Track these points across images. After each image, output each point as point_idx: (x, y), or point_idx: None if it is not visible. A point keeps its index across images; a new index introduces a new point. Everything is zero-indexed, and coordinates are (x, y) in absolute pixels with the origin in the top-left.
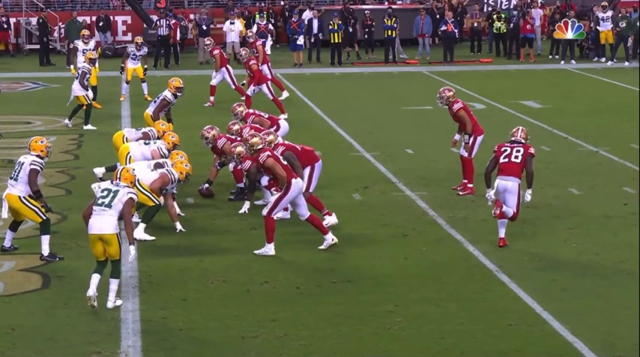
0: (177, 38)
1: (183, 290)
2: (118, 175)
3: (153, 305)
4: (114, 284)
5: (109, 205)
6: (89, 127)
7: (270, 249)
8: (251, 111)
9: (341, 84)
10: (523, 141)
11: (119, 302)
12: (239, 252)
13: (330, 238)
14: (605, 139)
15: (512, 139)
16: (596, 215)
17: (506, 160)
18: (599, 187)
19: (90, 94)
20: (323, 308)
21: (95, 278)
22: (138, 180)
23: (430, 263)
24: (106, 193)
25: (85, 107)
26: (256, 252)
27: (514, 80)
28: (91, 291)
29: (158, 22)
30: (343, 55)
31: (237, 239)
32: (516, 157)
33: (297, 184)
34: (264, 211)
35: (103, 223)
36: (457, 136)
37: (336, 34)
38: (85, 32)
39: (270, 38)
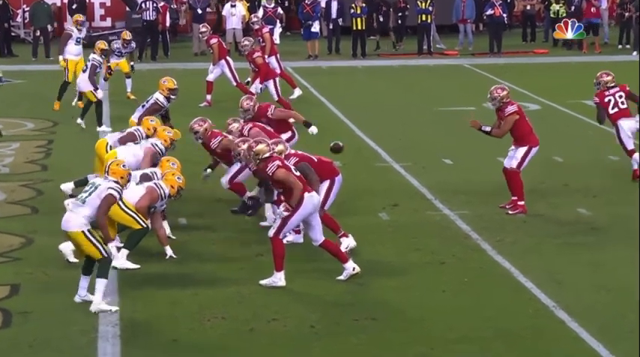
0: (167, 24)
1: (174, 330)
2: (106, 169)
3: (137, 347)
4: (100, 284)
5: (83, 201)
6: (103, 128)
7: (279, 279)
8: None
9: (365, 80)
10: (614, 83)
11: (111, 308)
12: (241, 283)
13: (351, 267)
14: None
15: (606, 86)
16: None
17: (616, 109)
18: None
19: (99, 93)
20: (342, 351)
21: (82, 281)
22: (121, 198)
23: (473, 296)
24: (89, 186)
25: (95, 105)
26: (262, 282)
27: (575, 75)
28: (77, 297)
29: (143, 5)
30: (368, 45)
31: (240, 267)
32: (622, 103)
33: (312, 200)
34: (271, 232)
35: (70, 218)
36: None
37: (359, 19)
38: (80, 18)
39: (279, 24)
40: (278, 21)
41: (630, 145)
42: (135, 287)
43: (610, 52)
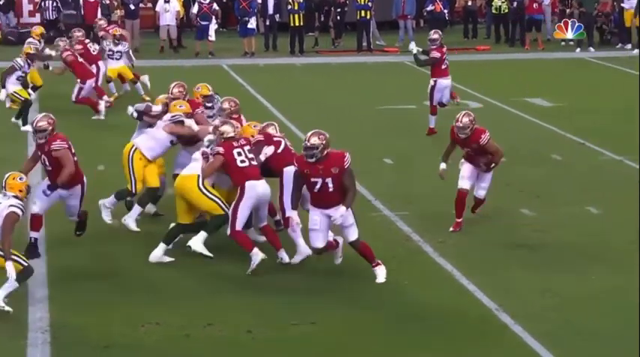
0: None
1: (107, 336)
2: (3, 185)
3: (68, 354)
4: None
5: None
6: (27, 128)
7: (255, 254)
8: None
9: (303, 77)
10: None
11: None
12: (176, 287)
13: (284, 254)
14: (631, 145)
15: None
16: (620, 240)
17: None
18: (624, 204)
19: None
20: (280, 356)
21: None
22: (202, 181)
23: (414, 300)
24: None
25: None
26: (249, 271)
27: (518, 72)
28: None
29: (42, 4)
30: (306, 42)
31: (173, 270)
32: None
33: (255, 189)
34: (228, 231)
35: None
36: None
37: (296, 15)
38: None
39: (214, 21)
40: (214, 17)
41: (434, 103)
42: (65, 292)
43: (553, 49)
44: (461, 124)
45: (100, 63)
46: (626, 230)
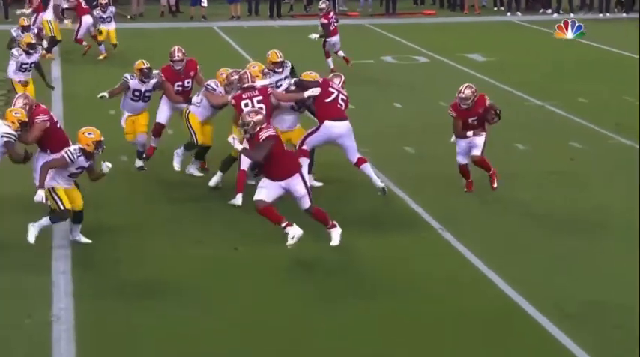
0: None
1: (115, 247)
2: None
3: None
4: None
5: None
6: None
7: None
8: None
9: (280, 37)
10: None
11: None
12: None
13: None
14: (551, 93)
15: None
16: (542, 171)
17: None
18: (545, 142)
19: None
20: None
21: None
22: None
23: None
24: None
25: None
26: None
27: (458, 33)
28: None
29: None
30: (283, 7)
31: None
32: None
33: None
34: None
35: None
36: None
37: None
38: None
39: None
40: None
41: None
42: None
43: (487, 14)
44: (463, 95)
45: (84, 18)
46: (547, 162)
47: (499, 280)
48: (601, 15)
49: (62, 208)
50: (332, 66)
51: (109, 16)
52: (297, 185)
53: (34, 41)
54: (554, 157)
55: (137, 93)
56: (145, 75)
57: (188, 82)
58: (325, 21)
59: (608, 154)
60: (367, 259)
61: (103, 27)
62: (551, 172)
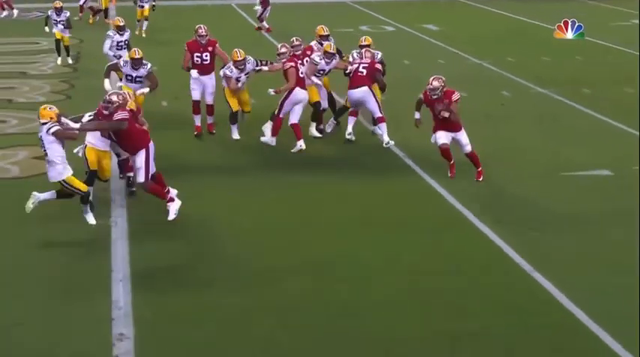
0: None
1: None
2: (38, 116)
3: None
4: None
5: (46, 153)
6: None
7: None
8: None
9: (283, 14)
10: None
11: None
12: None
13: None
14: (486, 54)
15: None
16: (479, 114)
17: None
18: (482, 91)
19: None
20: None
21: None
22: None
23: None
24: (41, 142)
25: None
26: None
27: (418, 8)
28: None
29: None
30: None
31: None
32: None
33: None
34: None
35: (49, 172)
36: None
37: None
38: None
39: None
40: None
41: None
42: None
43: None
44: (432, 86)
45: None
46: (483, 107)
47: None
48: None
49: (88, 169)
50: (268, 25)
51: (62, 20)
52: (137, 158)
53: (122, 24)
54: (489, 102)
55: (129, 77)
56: (135, 63)
57: (206, 56)
58: None
59: (529, 100)
60: None
61: (56, 31)
62: (486, 114)
